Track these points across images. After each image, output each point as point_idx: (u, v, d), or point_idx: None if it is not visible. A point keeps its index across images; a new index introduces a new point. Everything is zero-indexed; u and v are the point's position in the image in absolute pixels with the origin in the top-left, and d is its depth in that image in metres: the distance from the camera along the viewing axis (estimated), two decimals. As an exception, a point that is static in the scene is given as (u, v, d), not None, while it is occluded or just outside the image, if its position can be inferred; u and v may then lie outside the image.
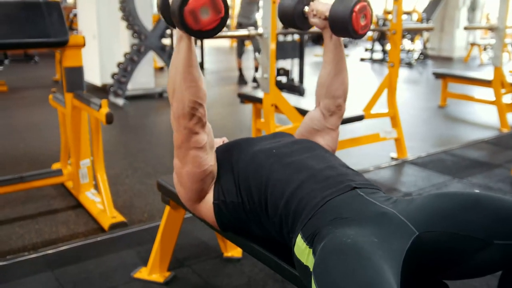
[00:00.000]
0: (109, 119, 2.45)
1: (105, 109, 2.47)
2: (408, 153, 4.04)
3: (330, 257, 1.11)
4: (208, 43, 13.17)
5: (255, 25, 7.29)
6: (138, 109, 5.96)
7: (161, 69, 8.87)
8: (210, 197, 1.55)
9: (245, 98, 3.92)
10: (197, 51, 8.54)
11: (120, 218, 2.70)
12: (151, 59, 6.76)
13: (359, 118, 3.53)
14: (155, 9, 7.34)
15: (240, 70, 7.81)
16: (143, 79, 6.55)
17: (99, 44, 6.57)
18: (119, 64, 6.08)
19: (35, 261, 2.34)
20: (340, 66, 1.73)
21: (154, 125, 5.40)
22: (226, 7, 1.27)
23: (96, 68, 6.70)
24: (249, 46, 9.21)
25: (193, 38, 1.36)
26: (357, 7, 1.56)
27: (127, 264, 2.30)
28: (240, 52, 7.68)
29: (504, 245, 1.18)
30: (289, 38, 6.73)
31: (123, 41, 6.60)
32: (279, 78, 6.85)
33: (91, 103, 2.59)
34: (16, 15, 2.60)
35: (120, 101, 5.90)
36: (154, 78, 6.84)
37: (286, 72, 6.76)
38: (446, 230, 1.20)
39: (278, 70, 6.87)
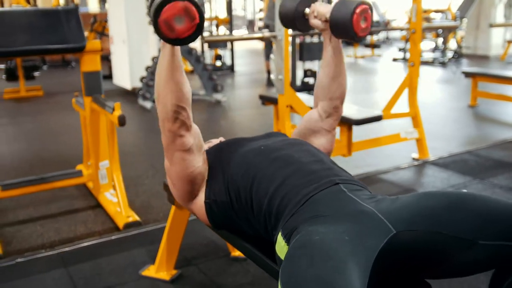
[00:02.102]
0: (122, 121, 2.53)
1: (118, 112, 2.55)
2: (431, 153, 3.99)
3: (295, 253, 1.13)
4: (239, 45, 13.27)
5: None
6: (165, 111, 6.06)
7: (191, 72, 9.00)
8: (202, 196, 1.59)
9: (265, 100, 3.96)
10: (227, 54, 8.63)
11: (134, 217, 2.78)
12: (180, 63, 6.87)
13: (377, 118, 3.51)
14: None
15: (268, 72, 7.83)
16: (171, 82, 6.67)
17: (129, 49, 6.74)
18: (147, 68, 6.21)
19: (51, 258, 2.43)
20: (339, 69, 1.74)
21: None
22: (201, 14, 1.29)
23: (126, 72, 6.87)
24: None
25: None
26: (358, 10, 1.57)
27: (137, 262, 2.37)
28: (268, 54, 7.71)
29: (489, 246, 1.17)
30: (315, 39, 6.73)
31: (152, 45, 6.75)
32: (306, 79, 6.88)
33: (106, 106, 2.67)
34: (36, 23, 2.71)
35: (148, 104, 6.03)
36: (182, 81, 6.95)
37: (313, 74, 6.79)
38: (429, 229, 1.19)
39: (305, 71, 6.92)
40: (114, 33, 7.16)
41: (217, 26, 10.88)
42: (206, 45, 9.72)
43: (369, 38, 11.77)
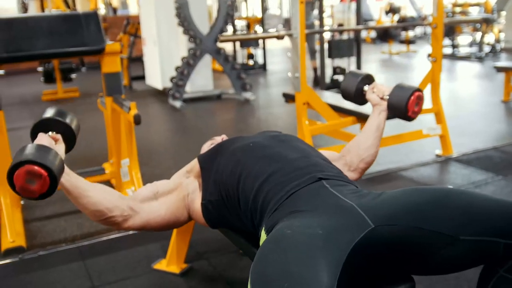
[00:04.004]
0: (137, 120, 2.62)
1: (133, 111, 2.64)
2: (457, 149, 3.92)
3: (266, 245, 1.17)
4: (273, 44, 13.28)
5: (312, 25, 7.28)
6: (195, 111, 6.18)
7: (222, 71, 9.12)
8: (197, 201, 1.66)
9: (288, 98, 4.00)
10: (260, 53, 8.51)
11: (151, 213, 2.87)
12: (209, 62, 6.98)
13: None
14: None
15: (315, 70, 7.52)
16: (201, 81, 6.79)
17: (159, 50, 6.90)
18: (176, 68, 6.34)
19: (70, 252, 2.56)
20: (377, 140, 1.89)
21: (207, 127, 5.57)
22: (45, 167, 1.31)
23: (157, 72, 7.03)
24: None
25: (68, 175, 1.47)
26: (415, 95, 1.86)
27: (151, 256, 2.45)
28: (312, 53, 7.47)
29: (471, 241, 1.18)
30: (344, 36, 6.70)
31: (181, 46, 6.88)
32: (335, 77, 6.85)
33: (124, 106, 2.77)
34: (58, 27, 2.84)
35: (177, 104, 6.16)
36: (212, 81, 7.06)
37: (342, 71, 6.76)
38: (409, 224, 1.20)
39: (335, 69, 6.88)
40: (146, 35, 7.33)
41: (249, 26, 10.93)
42: (238, 45, 9.80)
43: (404, 34, 11.52)
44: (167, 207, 1.64)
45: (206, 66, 6.79)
